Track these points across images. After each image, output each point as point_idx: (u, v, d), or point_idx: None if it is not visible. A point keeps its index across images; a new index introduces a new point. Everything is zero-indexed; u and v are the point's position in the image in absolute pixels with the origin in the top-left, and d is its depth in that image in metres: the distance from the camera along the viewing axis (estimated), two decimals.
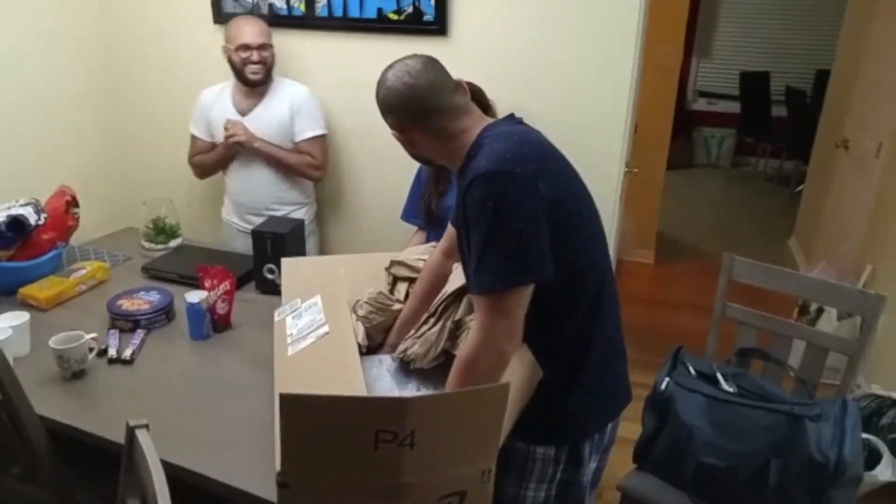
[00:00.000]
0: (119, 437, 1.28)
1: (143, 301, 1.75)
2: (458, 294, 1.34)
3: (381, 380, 1.33)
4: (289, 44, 2.34)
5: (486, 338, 1.08)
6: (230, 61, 2.14)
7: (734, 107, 6.25)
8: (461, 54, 2.15)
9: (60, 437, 1.38)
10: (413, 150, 1.28)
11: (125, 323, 1.69)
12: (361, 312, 1.46)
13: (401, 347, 1.35)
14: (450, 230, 1.44)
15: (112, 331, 1.67)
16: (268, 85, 2.20)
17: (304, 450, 0.92)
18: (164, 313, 1.74)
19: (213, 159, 2.29)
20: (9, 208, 1.82)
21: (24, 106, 2.34)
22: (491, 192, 1.06)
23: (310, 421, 0.89)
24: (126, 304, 1.73)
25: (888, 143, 2.77)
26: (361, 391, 1.13)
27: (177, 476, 1.24)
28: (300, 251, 1.96)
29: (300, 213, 2.32)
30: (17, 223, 1.81)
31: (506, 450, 1.20)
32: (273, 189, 2.26)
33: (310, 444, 0.91)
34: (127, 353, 1.57)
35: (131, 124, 2.72)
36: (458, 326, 1.28)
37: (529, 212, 1.06)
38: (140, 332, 1.67)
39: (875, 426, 2.16)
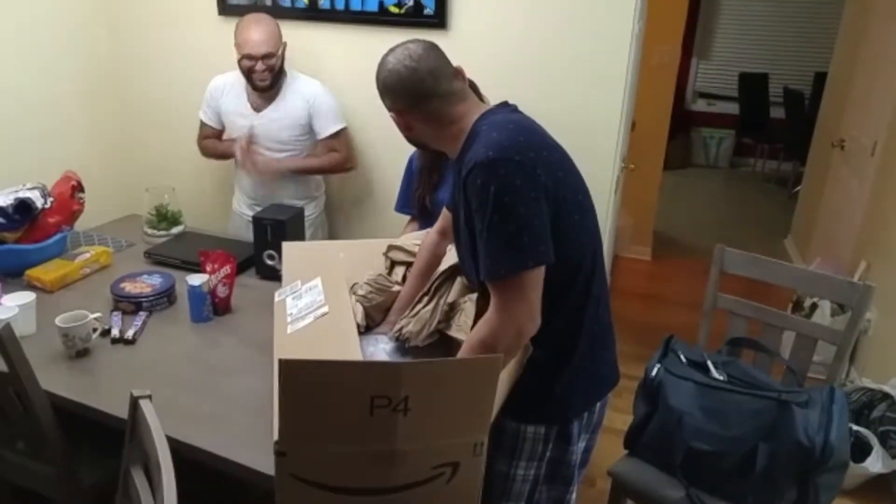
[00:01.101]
0: (122, 412, 1.31)
1: (145, 284, 1.78)
2: (452, 273, 1.38)
3: (378, 356, 1.36)
4: (291, 35, 2.37)
5: (505, 320, 1.10)
6: (239, 64, 2.13)
7: (733, 108, 6.28)
8: (460, 47, 2.17)
9: (65, 414, 1.41)
10: (409, 134, 1.30)
11: (128, 305, 1.72)
12: (361, 293, 1.49)
13: (396, 326, 1.38)
14: (445, 212, 1.48)
15: (115, 312, 1.71)
16: (281, 81, 2.20)
17: (302, 416, 0.95)
18: (166, 296, 1.77)
19: (221, 151, 2.32)
20: (16, 192, 1.86)
21: (30, 92, 2.37)
22: (492, 178, 1.08)
23: (307, 386, 0.92)
24: (129, 287, 1.76)
25: (883, 141, 2.81)
26: None
27: (178, 450, 1.28)
28: (300, 238, 2.00)
29: (311, 207, 2.35)
30: (24, 206, 1.84)
31: (496, 428, 1.23)
32: (284, 183, 2.28)
33: (307, 410, 0.94)
34: (129, 334, 1.61)
35: (136, 113, 2.76)
36: (452, 308, 1.31)
37: (531, 197, 1.09)
38: (142, 314, 1.71)
39: (866, 419, 2.19)
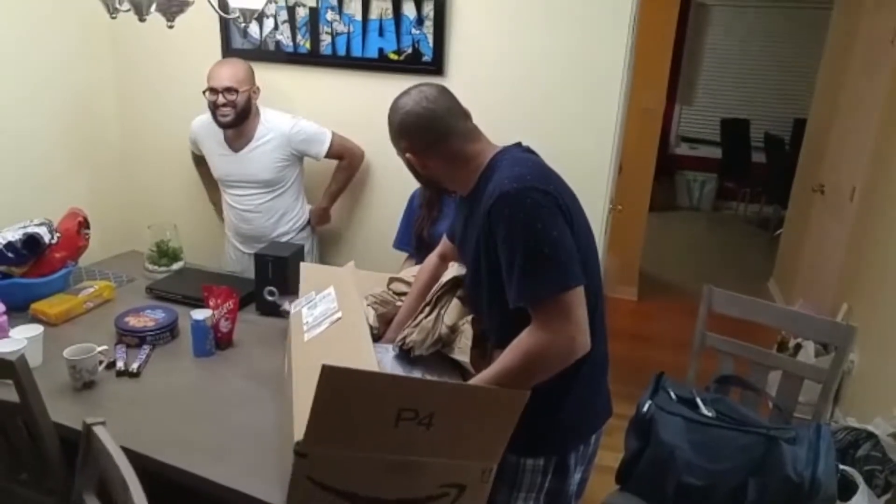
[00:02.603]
0: (129, 443, 1.34)
1: (148, 318, 1.82)
2: (451, 286, 1.43)
3: (388, 365, 1.39)
4: (294, 80, 2.47)
5: (553, 338, 1.11)
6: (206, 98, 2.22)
7: (715, 152, 6.48)
8: (456, 94, 2.26)
9: (67, 444, 1.43)
10: (425, 173, 1.33)
11: (132, 338, 1.75)
12: (367, 303, 1.56)
13: (400, 336, 1.42)
14: (445, 238, 1.54)
15: (119, 346, 1.74)
16: (255, 122, 2.27)
17: (330, 420, 0.99)
18: (169, 330, 1.81)
19: (204, 174, 2.54)
20: (24, 227, 1.89)
21: (37, 132, 2.43)
22: (520, 206, 1.12)
23: (343, 392, 0.96)
24: (133, 321, 1.80)
25: (861, 187, 2.93)
26: (375, 369, 1.20)
27: (180, 480, 1.30)
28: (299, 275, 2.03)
29: (301, 237, 2.42)
30: (32, 241, 1.88)
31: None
32: (267, 220, 2.36)
33: (337, 414, 0.98)
34: (134, 367, 1.64)
35: (137, 151, 2.82)
36: (453, 331, 1.36)
37: (560, 223, 1.13)
38: (146, 348, 1.74)
39: (851, 458, 2.23)
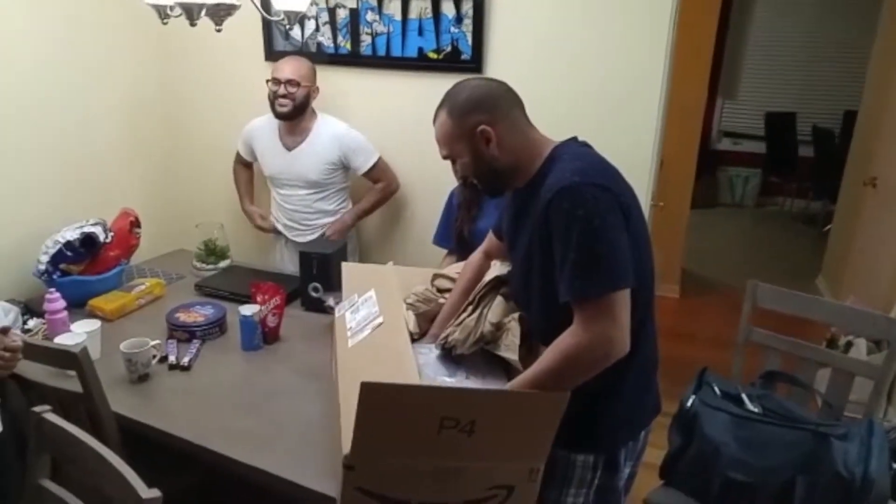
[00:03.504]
0: (184, 433, 1.40)
1: (198, 314, 1.88)
2: (494, 285, 1.43)
3: (431, 366, 1.40)
4: (335, 80, 2.51)
5: (594, 338, 1.10)
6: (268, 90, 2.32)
7: (759, 147, 6.31)
8: None
9: (125, 434, 1.50)
10: (494, 155, 1.24)
11: (182, 333, 1.82)
12: (409, 301, 1.57)
13: (442, 335, 1.43)
14: (490, 235, 1.54)
15: (170, 340, 1.80)
16: (311, 122, 2.35)
17: (374, 433, 1.01)
18: (218, 326, 1.87)
19: (240, 188, 2.62)
20: (81, 227, 1.99)
21: (90, 133, 2.51)
22: (580, 202, 1.10)
23: (383, 406, 0.99)
24: (183, 317, 1.86)
25: None
26: (414, 377, 1.23)
27: (230, 468, 1.35)
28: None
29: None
30: (89, 240, 1.97)
31: (547, 457, 1.28)
32: (312, 221, 2.44)
33: (380, 427, 1.01)
34: (185, 361, 1.70)
35: (184, 151, 2.91)
36: (499, 328, 1.36)
37: (616, 223, 1.11)
38: (196, 343, 1.80)
39: None
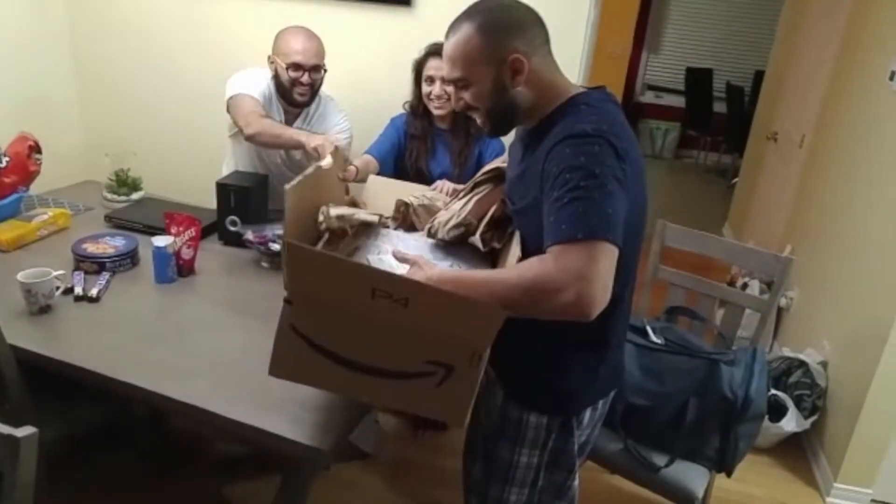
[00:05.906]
0: (90, 364, 1.36)
1: (108, 245, 1.80)
2: (493, 177, 1.37)
3: (419, 250, 1.34)
4: (255, 11, 2.39)
5: (566, 280, 0.96)
6: (276, 75, 2.00)
7: (680, 101, 6.54)
8: (423, 27, 2.25)
9: (24, 369, 1.43)
10: (517, 88, 1.12)
11: (90, 265, 1.74)
12: (407, 200, 1.49)
13: (431, 219, 1.39)
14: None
15: (77, 272, 1.72)
16: (319, 102, 2.11)
17: (311, 280, 1.02)
18: (129, 257, 1.80)
19: (285, 139, 1.91)
20: None
21: None
22: (585, 150, 1.02)
23: (313, 270, 1.01)
24: (91, 248, 1.78)
25: (811, 134, 3.02)
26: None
27: (147, 399, 1.32)
28: (263, 204, 2.02)
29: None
30: None
31: (501, 415, 1.27)
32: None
33: (313, 280, 1.02)
34: (93, 292, 1.63)
35: (95, 77, 2.71)
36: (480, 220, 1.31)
37: (617, 179, 1.02)
38: (105, 275, 1.72)
39: (784, 384, 2.39)
